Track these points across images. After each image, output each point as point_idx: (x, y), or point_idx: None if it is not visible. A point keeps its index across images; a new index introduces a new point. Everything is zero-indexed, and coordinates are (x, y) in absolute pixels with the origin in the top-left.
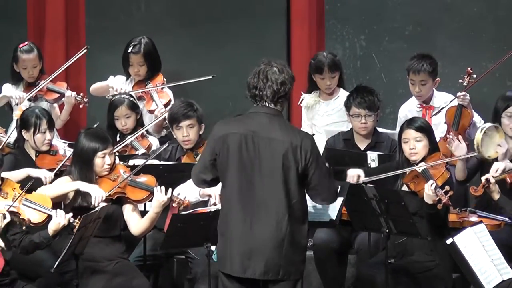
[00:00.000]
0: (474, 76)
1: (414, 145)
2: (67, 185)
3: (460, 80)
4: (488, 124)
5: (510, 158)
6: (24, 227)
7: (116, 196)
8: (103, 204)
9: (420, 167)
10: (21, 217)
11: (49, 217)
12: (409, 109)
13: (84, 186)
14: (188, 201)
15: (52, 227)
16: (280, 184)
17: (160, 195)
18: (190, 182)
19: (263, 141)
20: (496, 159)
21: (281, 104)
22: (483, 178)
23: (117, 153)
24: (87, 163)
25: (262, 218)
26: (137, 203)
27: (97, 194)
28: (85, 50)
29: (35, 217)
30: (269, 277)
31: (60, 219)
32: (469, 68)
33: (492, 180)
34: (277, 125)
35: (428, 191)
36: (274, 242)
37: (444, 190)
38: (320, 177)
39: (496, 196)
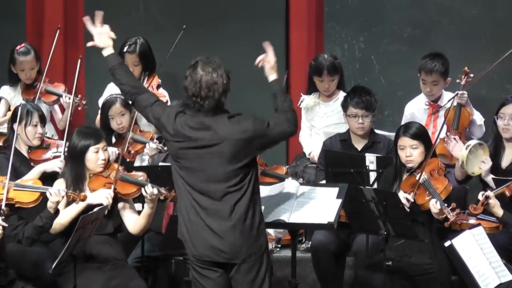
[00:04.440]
0: (471, 75)
1: (411, 153)
2: (76, 206)
3: (458, 80)
4: (473, 142)
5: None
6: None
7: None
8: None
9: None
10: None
11: (42, 195)
12: (417, 106)
13: (92, 199)
14: (175, 193)
15: (51, 206)
16: (224, 177)
17: (149, 189)
18: None
19: (206, 142)
20: (480, 175)
21: (220, 104)
22: (481, 196)
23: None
24: (79, 159)
25: (214, 207)
26: (127, 198)
27: (106, 197)
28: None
29: (29, 197)
30: (230, 260)
31: (55, 197)
32: (466, 68)
33: (492, 195)
34: (217, 123)
35: (435, 210)
36: (227, 228)
37: (450, 208)
38: (276, 129)
39: (500, 211)
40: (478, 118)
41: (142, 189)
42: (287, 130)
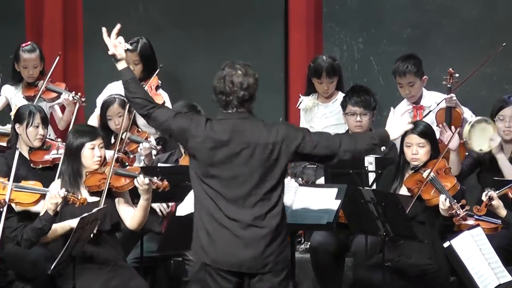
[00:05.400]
0: (457, 75)
1: (417, 151)
2: (69, 222)
3: (444, 82)
4: (476, 118)
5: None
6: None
7: (102, 188)
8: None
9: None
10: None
11: (42, 197)
12: (400, 111)
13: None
14: (167, 183)
15: (50, 207)
16: (257, 183)
17: (140, 179)
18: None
19: (238, 146)
20: (490, 152)
21: (248, 105)
22: (485, 196)
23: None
24: (76, 157)
25: (244, 216)
26: (121, 190)
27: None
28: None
29: (29, 199)
30: (256, 270)
31: (55, 199)
32: (450, 69)
33: (495, 196)
34: (249, 127)
35: (444, 206)
36: (257, 237)
37: (460, 204)
38: (315, 145)
39: (503, 212)
40: (469, 115)
41: (135, 180)
42: (330, 149)
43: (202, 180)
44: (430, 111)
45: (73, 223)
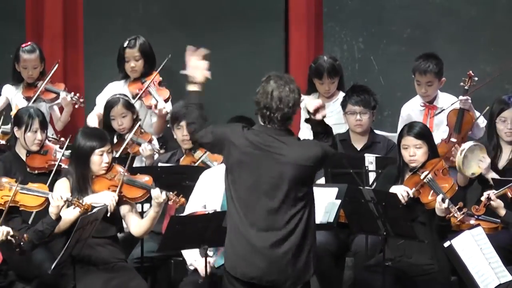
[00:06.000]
0: (476, 79)
1: (414, 152)
2: (75, 211)
3: (462, 84)
4: (468, 145)
5: (508, 164)
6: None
7: None
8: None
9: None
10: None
11: (47, 200)
12: (412, 108)
13: (94, 199)
14: (183, 199)
15: (52, 211)
16: (289, 199)
17: (157, 193)
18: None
19: (272, 162)
20: (480, 175)
21: (289, 123)
22: (484, 196)
23: (123, 155)
24: (84, 161)
25: (265, 228)
26: (133, 201)
27: (110, 200)
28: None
29: (34, 202)
30: (273, 284)
31: (58, 201)
32: (470, 71)
33: (493, 197)
34: (285, 146)
35: (441, 207)
36: (280, 253)
37: (457, 207)
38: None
39: (502, 212)
40: (481, 120)
41: (152, 192)
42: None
43: (230, 188)
44: (443, 109)
45: (68, 214)
